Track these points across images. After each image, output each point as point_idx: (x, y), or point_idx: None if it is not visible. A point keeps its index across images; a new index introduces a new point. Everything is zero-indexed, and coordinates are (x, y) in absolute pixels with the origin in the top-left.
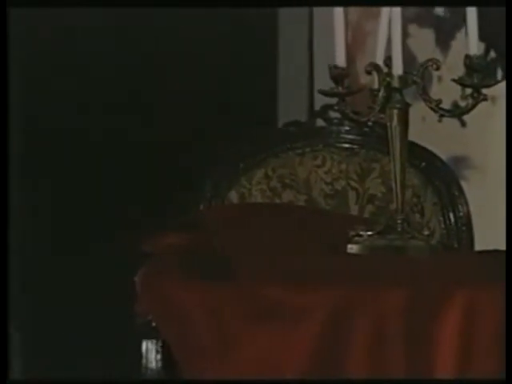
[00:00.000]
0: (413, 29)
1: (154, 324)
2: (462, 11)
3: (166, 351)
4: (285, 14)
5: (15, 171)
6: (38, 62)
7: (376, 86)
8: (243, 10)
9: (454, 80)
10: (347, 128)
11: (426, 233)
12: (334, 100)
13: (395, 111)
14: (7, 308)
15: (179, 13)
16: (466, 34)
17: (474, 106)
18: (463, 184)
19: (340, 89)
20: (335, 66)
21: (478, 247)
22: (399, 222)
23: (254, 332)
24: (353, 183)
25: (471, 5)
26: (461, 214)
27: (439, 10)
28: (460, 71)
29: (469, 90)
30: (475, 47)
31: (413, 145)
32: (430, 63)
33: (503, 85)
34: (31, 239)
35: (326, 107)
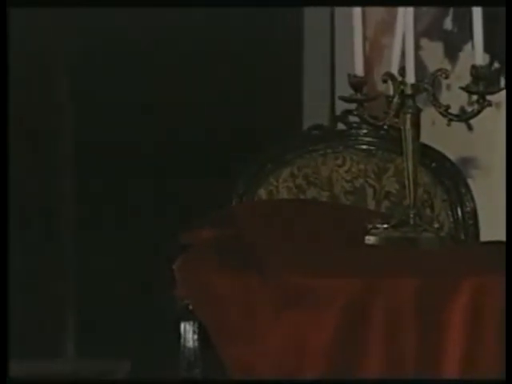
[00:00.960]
0: (424, 42)
1: (190, 307)
2: (468, 26)
3: (201, 332)
4: (309, 28)
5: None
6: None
7: (391, 93)
8: (272, 24)
9: (461, 88)
10: (365, 131)
11: (436, 226)
12: (353, 106)
13: (408, 116)
14: (7, 308)
15: (211, 23)
16: (473, 46)
17: (479, 112)
18: (470, 182)
19: (359, 95)
20: (354, 75)
21: (483, 239)
22: (412, 216)
23: (280, 316)
24: (370, 181)
25: (471, 5)
26: (467, 209)
27: (448, 25)
28: (467, 80)
29: (475, 97)
30: (481, 58)
31: (424, 146)
32: (439, 72)
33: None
34: (84, 228)
35: (346, 112)
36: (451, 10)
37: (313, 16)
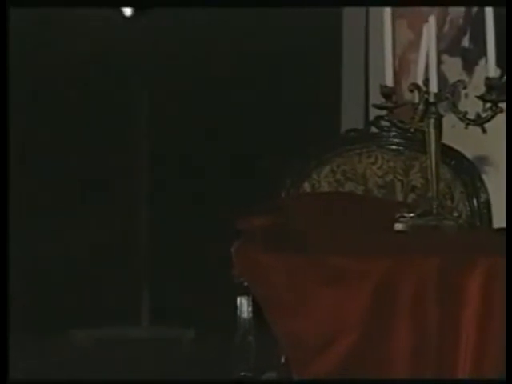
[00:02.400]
0: (445, 58)
1: (245, 284)
2: (483, 44)
3: (255, 305)
4: (347, 45)
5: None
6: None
7: (417, 101)
8: (315, 42)
9: (477, 96)
10: (394, 134)
11: (455, 215)
12: (384, 112)
13: (431, 120)
14: (7, 308)
15: (261, 38)
16: (487, 61)
17: (492, 117)
18: (484, 177)
19: (389, 103)
20: (385, 86)
21: (495, 225)
22: (434, 206)
23: (321, 292)
24: (399, 176)
25: (471, 5)
26: (482, 200)
27: (465, 43)
28: (482, 90)
29: (488, 104)
30: (493, 71)
31: (445, 147)
32: (458, 83)
33: None
34: (157, 213)
35: (378, 117)
36: (468, 31)
37: (350, 35)
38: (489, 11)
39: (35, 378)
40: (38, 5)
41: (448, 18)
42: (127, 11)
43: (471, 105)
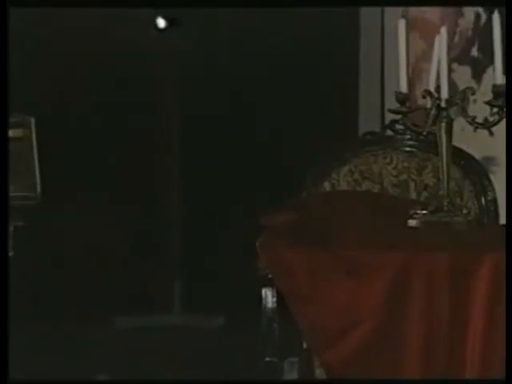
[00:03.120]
0: (455, 66)
1: (270, 276)
2: (490, 54)
3: (278, 295)
4: (364, 54)
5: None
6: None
7: (429, 106)
8: (334, 51)
9: (485, 102)
10: (408, 136)
11: (465, 212)
12: (399, 116)
13: (443, 124)
14: (7, 308)
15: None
16: (494, 69)
17: (499, 121)
18: (491, 176)
19: (403, 108)
20: (400, 92)
21: (502, 222)
22: (445, 204)
23: (341, 282)
24: (412, 176)
25: (471, 5)
26: (489, 198)
27: (474, 53)
28: (489, 96)
29: (495, 109)
30: (500, 79)
31: (455, 148)
32: (467, 90)
33: None
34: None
35: (394, 121)
36: (477, 41)
37: (367, 45)
38: (496, 23)
39: (35, 378)
40: (38, 5)
41: (458, 30)
42: (161, 23)
43: (479, 110)
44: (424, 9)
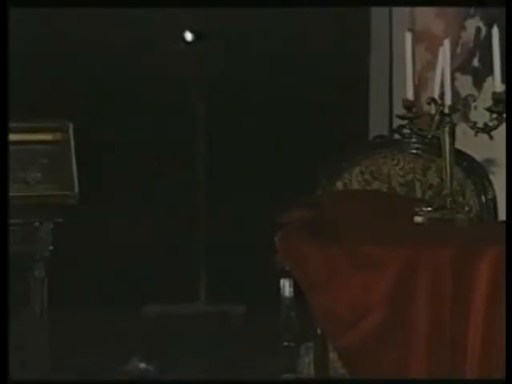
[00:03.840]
0: (458, 75)
1: (287, 268)
2: (490, 64)
3: (295, 286)
4: (374, 66)
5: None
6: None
7: (433, 112)
8: (345, 63)
9: (485, 108)
10: (414, 140)
11: (467, 209)
12: (405, 121)
13: (446, 129)
14: (7, 308)
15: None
16: (493, 78)
17: (498, 126)
18: (491, 177)
19: (410, 114)
20: (407, 99)
21: (501, 218)
22: (448, 202)
23: (352, 274)
24: (418, 176)
25: (472, 5)
26: (489, 197)
27: (475, 63)
28: (489, 102)
29: (495, 115)
30: (499, 87)
31: (457, 151)
32: (469, 97)
33: None
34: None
35: (401, 126)
36: (478, 53)
37: (377, 56)
38: (495, 36)
39: (35, 379)
40: (38, 5)
41: (460, 42)
42: (188, 36)
43: (480, 115)
44: (429, 22)
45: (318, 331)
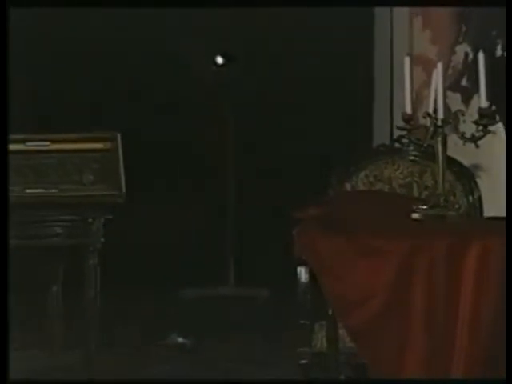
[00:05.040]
0: (449, 93)
1: (303, 257)
2: (476, 84)
3: (311, 273)
4: (378, 83)
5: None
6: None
7: (428, 124)
8: (349, 79)
9: (472, 121)
10: (412, 148)
11: (457, 207)
12: (404, 132)
13: (439, 139)
14: (7, 308)
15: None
16: (479, 96)
17: (483, 136)
18: (477, 180)
19: (408, 126)
20: (405, 113)
21: (486, 215)
22: (441, 200)
23: (358, 263)
24: (415, 179)
25: (472, 4)
26: (476, 196)
27: (464, 83)
28: (475, 117)
29: (480, 127)
30: (484, 103)
31: (449, 158)
32: (458, 112)
33: (500, 125)
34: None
35: (400, 136)
36: (466, 74)
37: (380, 76)
38: (481, 60)
39: (35, 379)
40: (38, 5)
41: (451, 65)
42: (219, 60)
43: (468, 128)
44: (424, 48)
45: (330, 311)
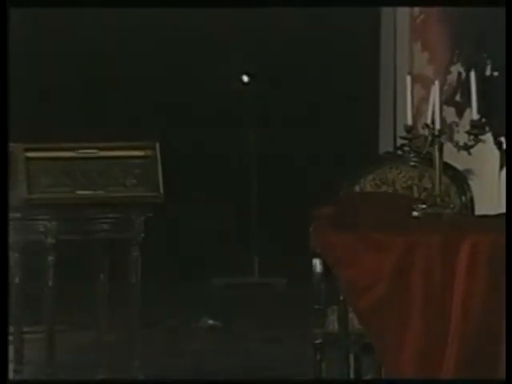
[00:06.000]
0: (444, 107)
1: (318, 250)
2: (468, 99)
3: (324, 263)
4: (383, 99)
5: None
6: None
7: (427, 134)
8: (356, 94)
9: (465, 131)
10: (413, 155)
11: (452, 206)
12: (406, 141)
13: (436, 147)
14: (7, 307)
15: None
16: (471, 109)
17: (474, 145)
18: (469, 182)
19: (409, 136)
20: (407, 125)
21: (477, 213)
22: (438, 200)
23: (365, 255)
24: (415, 182)
25: (472, 4)
26: (468, 197)
27: (458, 98)
28: (467, 128)
29: (472, 137)
30: (475, 116)
31: (445, 163)
32: (453, 123)
33: (489, 135)
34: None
35: (402, 145)
36: (460, 90)
37: (385, 92)
38: (472, 78)
39: (35, 379)
40: (38, 5)
41: (447, 82)
42: (245, 78)
43: (461, 137)
44: (423, 68)
45: (341, 297)
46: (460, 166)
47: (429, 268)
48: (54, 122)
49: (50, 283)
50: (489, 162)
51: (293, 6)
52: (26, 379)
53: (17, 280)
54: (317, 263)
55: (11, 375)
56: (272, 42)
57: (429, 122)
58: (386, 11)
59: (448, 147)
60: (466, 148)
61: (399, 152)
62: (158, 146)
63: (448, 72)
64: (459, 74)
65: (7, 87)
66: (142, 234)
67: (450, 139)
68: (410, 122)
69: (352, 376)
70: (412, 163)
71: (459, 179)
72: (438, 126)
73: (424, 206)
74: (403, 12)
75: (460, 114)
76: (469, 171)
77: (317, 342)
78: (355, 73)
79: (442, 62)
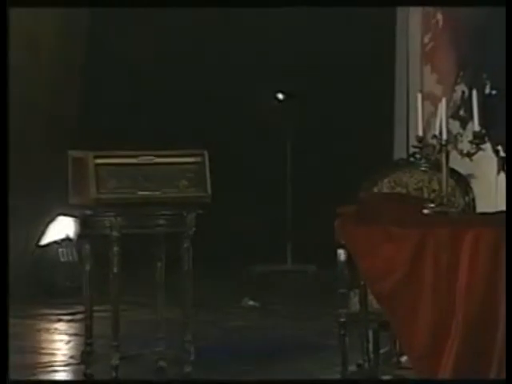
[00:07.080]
0: (450, 121)
1: (342, 242)
2: (470, 114)
3: (347, 253)
4: (397, 113)
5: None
6: None
7: (435, 143)
8: (369, 107)
9: (468, 141)
10: (423, 161)
11: (456, 205)
12: (417, 149)
13: (443, 154)
14: (7, 307)
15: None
16: (473, 122)
17: (476, 152)
18: (472, 185)
19: (420, 145)
20: (418, 135)
21: (478, 211)
22: (445, 200)
23: (383, 246)
24: (425, 184)
25: (471, 4)
26: (471, 197)
27: (462, 113)
28: (470, 138)
29: (474, 146)
30: (477, 128)
31: (451, 169)
32: (457, 134)
33: (488, 144)
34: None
35: (414, 152)
36: (463, 106)
37: (399, 107)
38: (474, 96)
39: (35, 379)
40: (38, 5)
41: (452, 100)
42: (280, 96)
43: (465, 146)
44: (432, 87)
45: (362, 282)
46: (463, 171)
47: (438, 255)
48: (119, 132)
49: (116, 270)
50: (488, 167)
51: (304, 5)
52: (26, 379)
53: (88, 267)
54: (341, 253)
55: (84, 347)
56: (301, 64)
57: (437, 133)
58: (399, 39)
59: (453, 155)
60: (469, 155)
61: (411, 159)
62: (206, 153)
63: (453, 91)
64: (463, 92)
65: (7, 87)
66: (193, 229)
67: (455, 148)
68: (420, 133)
69: (371, 349)
70: (422, 168)
71: (463, 182)
72: (444, 136)
73: (433, 204)
74: (415, 40)
75: (464, 126)
76: (471, 175)
77: (341, 320)
78: (375, 92)
79: (449, 82)
